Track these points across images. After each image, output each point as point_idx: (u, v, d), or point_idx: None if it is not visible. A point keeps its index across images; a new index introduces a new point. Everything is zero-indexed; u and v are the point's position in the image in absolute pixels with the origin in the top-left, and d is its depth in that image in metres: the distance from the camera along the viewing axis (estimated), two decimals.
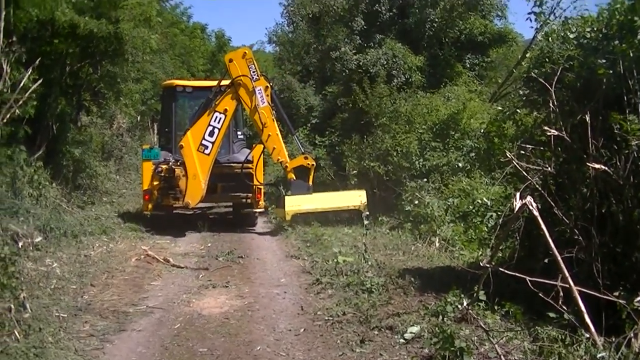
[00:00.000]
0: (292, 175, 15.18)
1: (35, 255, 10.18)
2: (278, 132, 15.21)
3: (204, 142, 14.66)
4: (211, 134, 14.69)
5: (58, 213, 12.95)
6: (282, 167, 15.49)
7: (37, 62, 12.08)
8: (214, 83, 16.00)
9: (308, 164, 15.24)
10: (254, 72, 14.86)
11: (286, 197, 14.91)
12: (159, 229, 14.80)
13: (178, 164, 14.84)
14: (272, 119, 14.93)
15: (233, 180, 15.79)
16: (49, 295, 8.59)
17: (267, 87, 14.98)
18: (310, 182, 15.18)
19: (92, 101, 19.92)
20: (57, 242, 11.36)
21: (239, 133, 17.76)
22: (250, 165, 15.80)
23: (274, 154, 15.19)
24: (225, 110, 14.81)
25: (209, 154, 14.71)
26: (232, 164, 16.07)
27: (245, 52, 15.21)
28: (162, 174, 14.80)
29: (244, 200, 16.14)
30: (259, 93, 14.78)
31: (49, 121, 14.78)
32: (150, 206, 15.15)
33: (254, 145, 16.26)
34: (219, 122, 14.73)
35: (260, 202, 16.16)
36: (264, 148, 15.81)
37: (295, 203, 14.72)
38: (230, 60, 15.13)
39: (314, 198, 14.96)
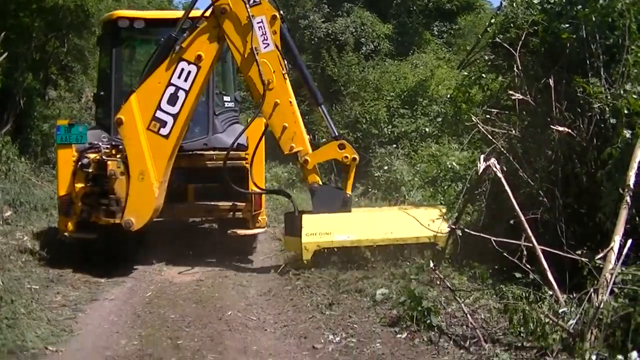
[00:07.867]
0: (315, 178, 8.91)
1: (5, 230, 10.19)
2: (293, 99, 8.80)
3: (159, 114, 8.49)
4: (172, 100, 8.47)
5: (27, 187, 12.93)
6: (299, 161, 8.89)
7: (1, 35, 11.94)
8: (180, 14, 9.51)
9: (345, 157, 8.86)
10: None
11: (304, 217, 8.54)
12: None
13: (114, 152, 8.93)
14: (282, 76, 8.66)
15: (213, 178, 9.46)
16: (20, 267, 8.58)
17: (273, 16, 8.58)
18: (349, 190, 9.07)
19: (59, 75, 19.74)
20: (27, 216, 11.37)
21: (226, 99, 10.65)
22: (243, 154, 9.53)
23: (284, 138, 8.75)
24: (199, 57, 8.49)
25: (167, 136, 8.53)
26: (211, 152, 9.71)
27: None
28: (90, 170, 8.82)
29: (231, 213, 9.75)
30: (260, 27, 8.47)
31: (17, 96, 14.61)
32: (70, 224, 8.99)
33: (249, 120, 9.73)
34: (186, 80, 8.48)
35: (260, 218, 9.81)
36: (267, 126, 9.14)
37: (320, 229, 8.41)
38: None
39: (352, 220, 8.70)
